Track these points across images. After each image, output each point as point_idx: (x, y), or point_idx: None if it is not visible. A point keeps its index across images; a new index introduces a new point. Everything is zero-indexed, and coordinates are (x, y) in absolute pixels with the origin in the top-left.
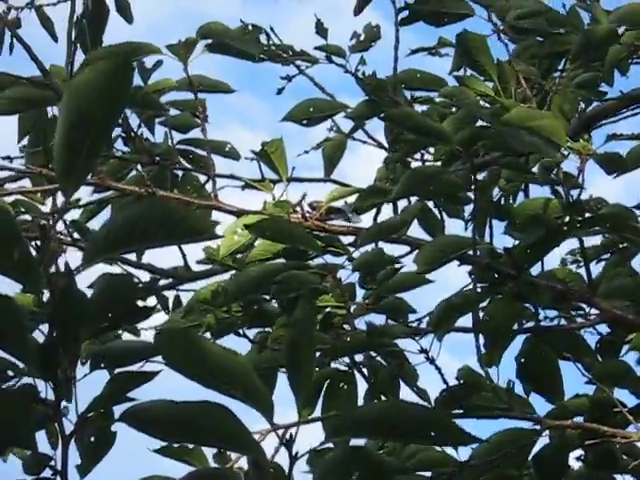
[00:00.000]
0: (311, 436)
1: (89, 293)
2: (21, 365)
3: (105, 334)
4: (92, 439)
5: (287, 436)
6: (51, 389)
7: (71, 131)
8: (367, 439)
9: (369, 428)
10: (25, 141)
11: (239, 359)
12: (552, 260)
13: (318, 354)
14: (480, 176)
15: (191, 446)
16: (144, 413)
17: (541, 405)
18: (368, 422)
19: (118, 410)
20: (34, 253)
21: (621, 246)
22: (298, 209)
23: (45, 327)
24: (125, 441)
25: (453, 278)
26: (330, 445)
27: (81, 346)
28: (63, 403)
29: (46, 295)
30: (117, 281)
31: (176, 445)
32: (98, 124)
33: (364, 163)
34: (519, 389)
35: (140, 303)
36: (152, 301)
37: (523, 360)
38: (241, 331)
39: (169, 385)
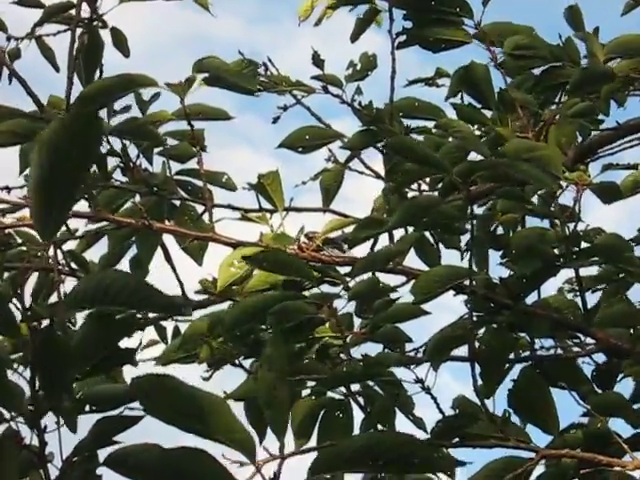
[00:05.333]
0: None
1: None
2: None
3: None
4: None
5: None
6: (35, 435)
7: (42, 185)
8: (350, 472)
9: (351, 461)
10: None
11: (218, 402)
12: (549, 288)
13: (314, 383)
14: (480, 210)
15: None
16: (128, 458)
17: (539, 435)
18: (349, 456)
19: (103, 453)
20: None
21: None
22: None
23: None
24: None
25: (455, 305)
26: None
27: (64, 391)
28: (48, 448)
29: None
30: (99, 325)
31: None
32: (67, 177)
33: (367, 188)
34: (515, 419)
35: (124, 343)
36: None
37: (515, 390)
38: (237, 361)
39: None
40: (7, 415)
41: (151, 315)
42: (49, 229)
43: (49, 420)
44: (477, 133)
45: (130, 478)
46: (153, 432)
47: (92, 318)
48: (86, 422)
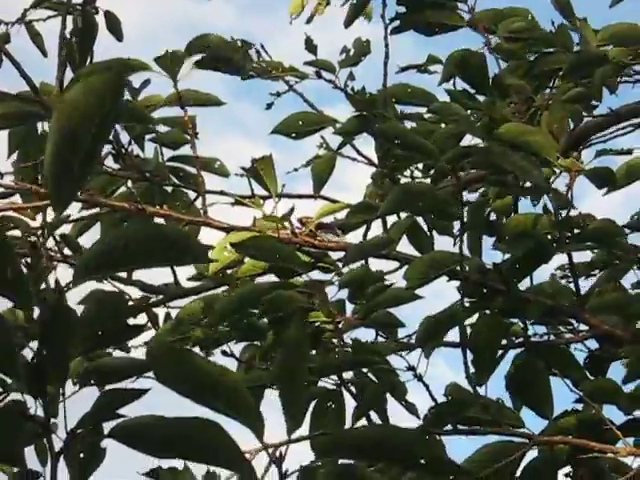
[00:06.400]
0: (300, 454)
1: (79, 309)
2: (10, 381)
3: (95, 352)
4: (81, 455)
5: (277, 454)
6: (40, 406)
7: (62, 148)
8: (356, 460)
9: (359, 450)
10: (15, 157)
11: (231, 375)
12: (541, 276)
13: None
14: (473, 196)
15: (180, 468)
16: (133, 429)
17: (532, 420)
18: (358, 444)
19: (107, 426)
20: (24, 270)
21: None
22: (287, 224)
23: (35, 344)
24: (115, 457)
25: (448, 292)
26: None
27: (70, 364)
28: (52, 419)
29: (37, 311)
30: (107, 299)
31: (165, 468)
32: (89, 141)
33: (359, 174)
34: (509, 403)
35: (130, 321)
36: (142, 319)
37: (513, 375)
38: (228, 350)
39: (158, 399)
40: (13, 385)
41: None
42: (64, 198)
43: None
44: (471, 119)
45: (136, 449)
46: (156, 410)
47: (99, 295)
48: (91, 394)
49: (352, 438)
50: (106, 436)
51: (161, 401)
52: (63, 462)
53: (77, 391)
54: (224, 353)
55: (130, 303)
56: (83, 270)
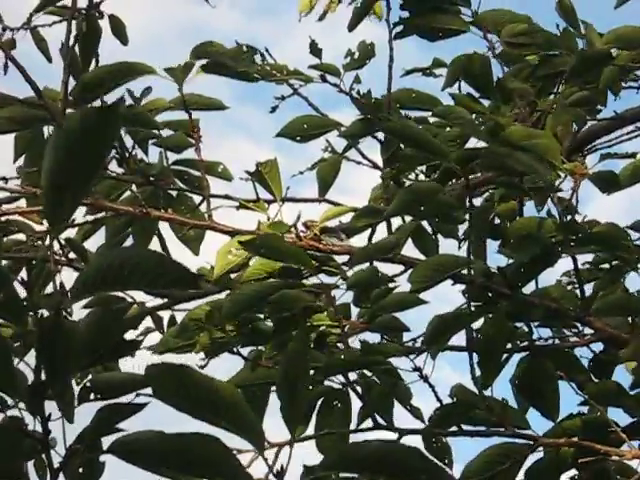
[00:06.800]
0: (304, 454)
1: (85, 312)
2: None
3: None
4: (80, 471)
5: (277, 464)
6: (39, 422)
7: (58, 175)
8: (360, 475)
9: (360, 465)
10: (21, 161)
11: (229, 389)
12: (547, 280)
13: (312, 372)
14: (477, 200)
15: None
16: (133, 444)
17: (537, 421)
18: (360, 459)
19: (107, 440)
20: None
21: (614, 264)
22: (292, 229)
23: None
24: (115, 471)
25: (452, 296)
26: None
27: (69, 380)
28: (51, 435)
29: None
30: (105, 315)
31: None
32: (84, 169)
33: (364, 178)
34: (514, 404)
35: (127, 337)
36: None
37: (521, 377)
38: (235, 349)
39: (157, 413)
40: (10, 402)
41: (150, 304)
42: (59, 216)
43: (53, 408)
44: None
45: (136, 465)
46: (154, 423)
47: (99, 307)
48: (91, 410)
49: (355, 454)
50: (105, 452)
51: (159, 414)
52: (62, 478)
53: (76, 406)
54: (231, 352)
55: (134, 307)
56: (80, 288)
